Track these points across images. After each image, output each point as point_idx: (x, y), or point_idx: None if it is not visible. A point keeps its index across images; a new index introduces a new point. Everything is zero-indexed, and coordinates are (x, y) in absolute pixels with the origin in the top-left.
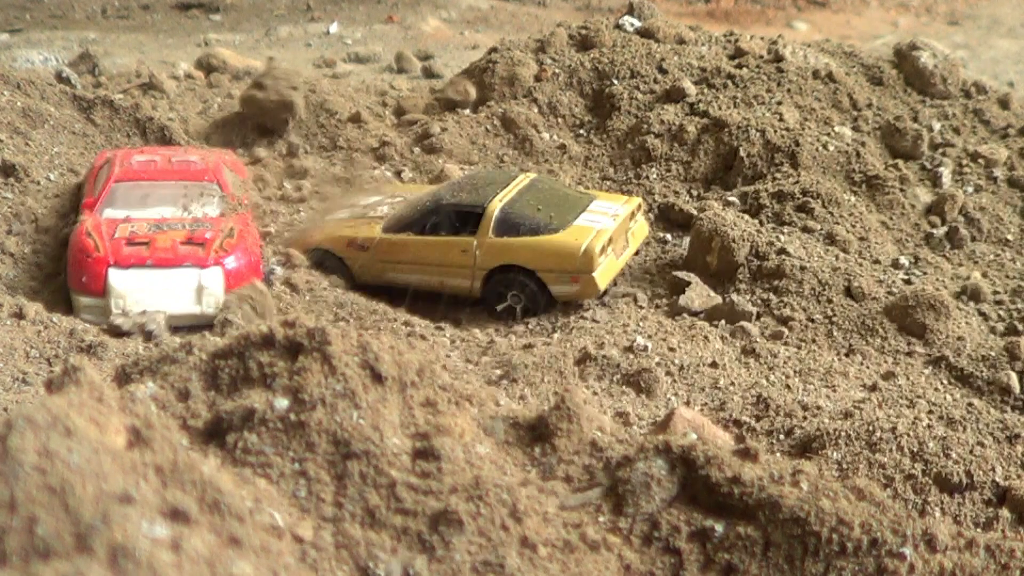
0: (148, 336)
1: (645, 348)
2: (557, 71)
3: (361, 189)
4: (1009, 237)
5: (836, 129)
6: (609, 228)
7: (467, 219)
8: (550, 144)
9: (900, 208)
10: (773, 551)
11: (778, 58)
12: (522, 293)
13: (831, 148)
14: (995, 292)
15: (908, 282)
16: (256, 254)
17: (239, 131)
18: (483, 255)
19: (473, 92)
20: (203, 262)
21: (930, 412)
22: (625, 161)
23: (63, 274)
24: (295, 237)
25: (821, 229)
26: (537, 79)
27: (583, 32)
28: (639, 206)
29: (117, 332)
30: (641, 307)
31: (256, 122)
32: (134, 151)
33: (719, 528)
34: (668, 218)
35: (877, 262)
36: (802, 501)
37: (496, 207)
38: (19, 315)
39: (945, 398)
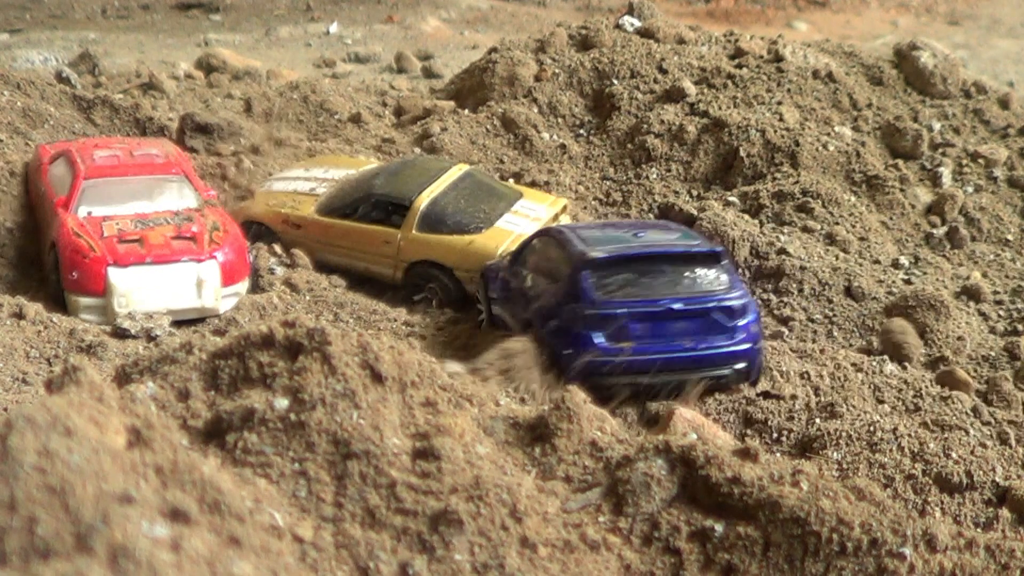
0: (151, 338)
1: None
2: (557, 71)
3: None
4: (1009, 237)
5: (836, 129)
6: (528, 233)
7: (394, 211)
8: (550, 144)
9: (900, 208)
10: (773, 551)
11: (778, 58)
12: (439, 287)
13: (831, 148)
14: (995, 292)
15: (908, 282)
16: (243, 246)
17: None
18: (405, 248)
19: None
20: (200, 256)
21: (931, 413)
22: (625, 161)
23: (54, 275)
24: (238, 208)
25: (821, 229)
26: (537, 79)
27: (583, 32)
28: (564, 207)
29: (122, 334)
30: None
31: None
32: (89, 144)
33: (719, 528)
34: (668, 218)
35: (877, 262)
36: (802, 501)
37: (422, 203)
38: (19, 315)
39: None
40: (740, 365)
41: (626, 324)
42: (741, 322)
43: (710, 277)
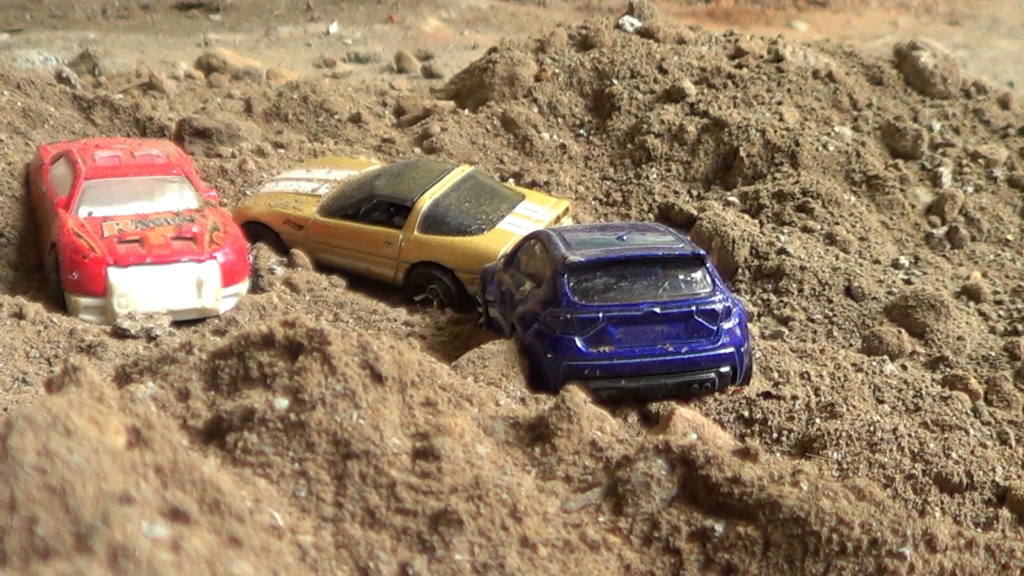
0: (151, 338)
1: None
2: (557, 71)
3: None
4: (1009, 237)
5: (836, 129)
6: None
7: (396, 212)
8: (550, 144)
9: (900, 208)
10: (773, 551)
11: (778, 58)
12: (440, 289)
13: (831, 148)
14: (995, 292)
15: (908, 282)
16: (243, 247)
17: None
18: (407, 249)
19: None
20: (200, 256)
21: (931, 413)
22: (625, 161)
23: (55, 275)
24: (237, 208)
25: (821, 229)
26: (537, 79)
27: (583, 32)
28: (566, 210)
29: (122, 334)
30: None
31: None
32: (90, 145)
33: (719, 528)
34: (668, 218)
35: (877, 262)
36: (802, 501)
37: (424, 204)
38: (19, 315)
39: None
40: (724, 369)
41: (605, 327)
42: (724, 325)
43: (692, 280)
